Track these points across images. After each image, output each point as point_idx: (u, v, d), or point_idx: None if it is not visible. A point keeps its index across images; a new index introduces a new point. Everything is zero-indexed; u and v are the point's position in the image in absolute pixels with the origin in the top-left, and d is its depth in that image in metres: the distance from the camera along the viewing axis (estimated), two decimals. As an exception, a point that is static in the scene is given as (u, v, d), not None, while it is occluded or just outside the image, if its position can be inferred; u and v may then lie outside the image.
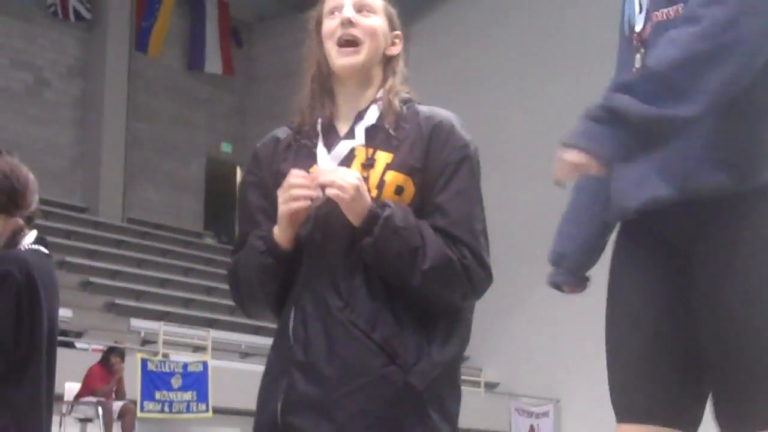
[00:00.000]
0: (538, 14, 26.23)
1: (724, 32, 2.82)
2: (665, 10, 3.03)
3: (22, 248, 3.87)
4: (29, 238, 3.91)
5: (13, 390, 3.82)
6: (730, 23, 2.82)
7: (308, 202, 2.92)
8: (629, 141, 2.82)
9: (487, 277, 3.01)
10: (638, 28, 3.10)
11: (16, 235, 3.87)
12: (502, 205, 24.05)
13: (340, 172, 2.93)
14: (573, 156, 2.82)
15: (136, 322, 22.50)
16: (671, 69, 2.81)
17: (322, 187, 2.89)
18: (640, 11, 3.10)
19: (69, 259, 23.66)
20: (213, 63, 28.87)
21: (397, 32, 3.17)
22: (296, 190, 2.91)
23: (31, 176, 3.96)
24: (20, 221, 3.89)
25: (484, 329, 23.83)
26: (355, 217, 2.91)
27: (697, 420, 3.08)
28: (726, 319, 2.92)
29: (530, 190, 25.87)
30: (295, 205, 2.91)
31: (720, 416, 2.97)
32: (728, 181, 2.91)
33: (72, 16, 26.33)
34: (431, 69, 26.69)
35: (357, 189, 2.88)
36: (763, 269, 2.91)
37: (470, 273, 2.96)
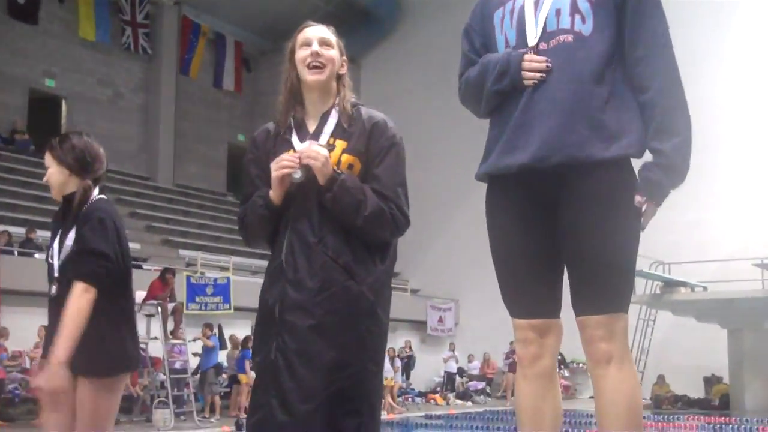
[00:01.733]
0: (451, 50, 26.14)
1: None
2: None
3: (95, 199, 3.78)
4: (96, 193, 3.80)
5: (126, 300, 3.80)
6: None
7: (291, 170, 3.00)
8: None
9: (406, 222, 3.09)
10: (532, 42, 2.94)
11: (87, 192, 3.77)
12: (425, 165, 24.20)
13: (315, 146, 3.02)
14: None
15: (183, 252, 22.46)
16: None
17: (304, 156, 3.00)
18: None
19: (138, 210, 23.52)
20: (228, 83, 28.80)
21: (345, 58, 3.23)
22: (283, 162, 3.02)
23: (101, 151, 3.86)
24: (89, 182, 3.79)
25: (410, 253, 24.12)
26: (322, 178, 2.98)
27: (559, 309, 3.05)
28: (586, 237, 2.85)
29: (448, 165, 26.09)
30: (283, 171, 3.01)
31: (576, 304, 2.91)
32: (598, 152, 2.83)
33: (140, 50, 26.07)
34: (378, 86, 26.66)
35: (326, 158, 2.99)
36: (607, 208, 2.85)
37: (395, 219, 3.05)
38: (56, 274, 3.73)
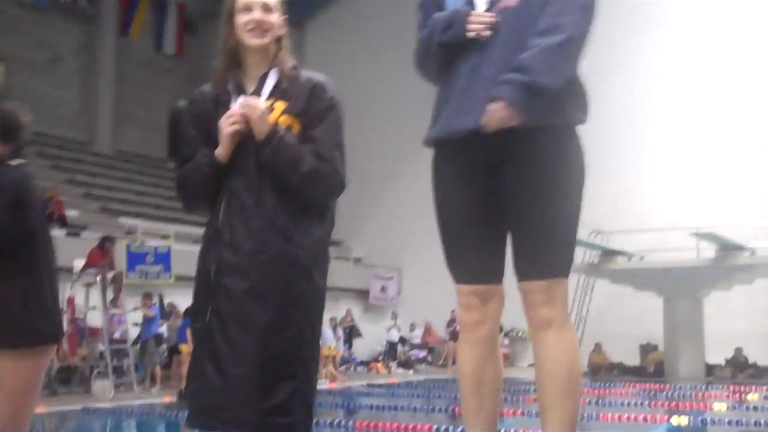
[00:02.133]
0: (398, 17, 26.01)
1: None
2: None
3: (10, 164, 3.71)
4: (15, 160, 3.74)
5: (36, 269, 3.69)
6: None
7: (242, 125, 2.97)
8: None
9: (341, 184, 3.07)
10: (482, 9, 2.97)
11: (4, 158, 3.70)
12: (369, 132, 24.14)
13: (253, 98, 3.01)
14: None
15: (123, 219, 22.10)
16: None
17: (241, 107, 2.98)
18: None
19: (76, 177, 23.12)
20: (170, 46, 28.34)
21: (285, 17, 3.18)
22: (233, 118, 2.97)
23: (25, 119, 3.81)
24: (8, 148, 3.73)
25: (353, 222, 24.12)
26: (259, 133, 2.95)
27: (502, 274, 3.08)
28: (527, 203, 2.88)
29: (392, 133, 26.07)
30: (235, 126, 2.97)
31: (518, 269, 2.95)
32: (540, 117, 2.84)
33: (79, 12, 25.52)
34: (323, 49, 26.50)
35: (264, 111, 2.98)
36: (549, 174, 2.87)
37: (330, 179, 3.02)
38: None
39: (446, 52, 3.00)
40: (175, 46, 28.44)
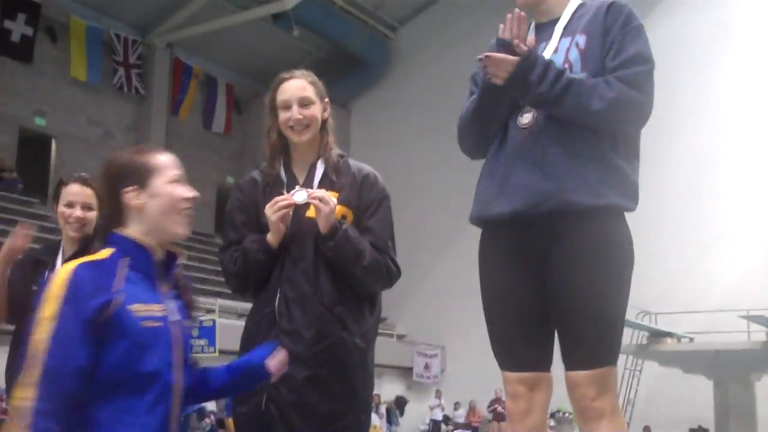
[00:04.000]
0: (443, 95, 26.23)
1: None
2: None
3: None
4: None
5: None
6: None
7: (290, 210, 3.03)
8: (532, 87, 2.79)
9: (398, 273, 3.15)
10: None
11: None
12: (413, 210, 24.24)
13: (325, 192, 3.05)
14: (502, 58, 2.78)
15: (168, 293, 22.14)
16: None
17: (314, 198, 3.01)
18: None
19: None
20: (218, 125, 28.78)
21: (327, 100, 3.23)
22: (280, 203, 3.02)
23: None
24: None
25: (397, 298, 24.05)
26: (324, 225, 2.99)
27: (550, 361, 3.03)
28: (576, 289, 2.84)
29: (435, 210, 26.14)
30: (282, 212, 3.01)
31: (566, 358, 2.91)
32: (588, 200, 2.83)
33: (132, 90, 26.09)
34: (367, 131, 26.84)
35: (334, 205, 3.02)
36: (597, 261, 2.84)
37: (389, 270, 3.10)
38: None
39: (476, 114, 3.00)
40: (224, 125, 28.94)
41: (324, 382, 2.94)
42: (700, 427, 21.49)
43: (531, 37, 2.92)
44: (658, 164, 21.14)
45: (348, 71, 28.44)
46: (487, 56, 2.81)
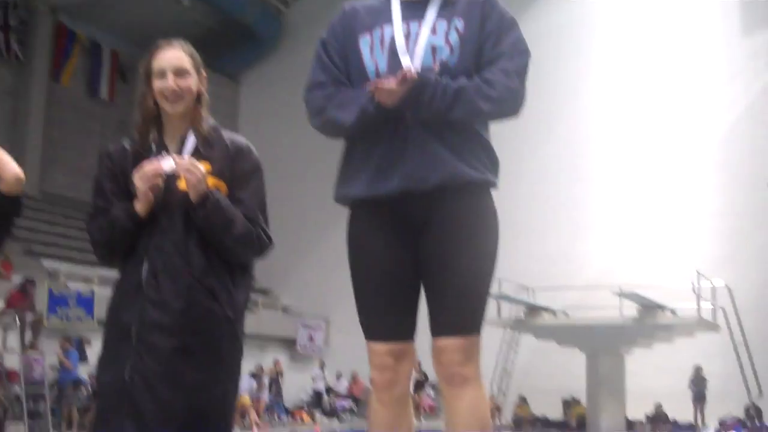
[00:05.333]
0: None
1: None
2: None
3: None
4: None
5: None
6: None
7: (160, 180, 2.96)
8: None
9: (270, 244, 3.11)
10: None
11: None
12: (299, 183, 24.11)
13: (194, 161, 2.99)
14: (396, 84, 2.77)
15: (46, 262, 21.63)
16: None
17: (181, 168, 2.95)
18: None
19: (1, 218, 22.57)
20: (102, 92, 27.95)
21: (203, 73, 3.17)
22: (148, 172, 2.95)
23: None
24: None
25: (282, 271, 23.94)
26: (195, 194, 2.95)
27: (415, 331, 3.04)
28: (448, 263, 2.88)
29: (322, 184, 26.05)
30: (151, 181, 2.96)
31: (435, 325, 2.93)
32: (473, 174, 2.88)
33: (13, 55, 25.11)
34: (257, 103, 26.49)
35: (204, 174, 2.97)
36: (471, 233, 2.90)
37: (260, 240, 3.07)
38: None
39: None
40: (107, 92, 28.15)
41: (192, 353, 2.91)
42: (572, 397, 22.18)
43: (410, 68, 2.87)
44: (539, 150, 21.65)
45: (239, 43, 28.02)
46: (376, 87, 2.81)
